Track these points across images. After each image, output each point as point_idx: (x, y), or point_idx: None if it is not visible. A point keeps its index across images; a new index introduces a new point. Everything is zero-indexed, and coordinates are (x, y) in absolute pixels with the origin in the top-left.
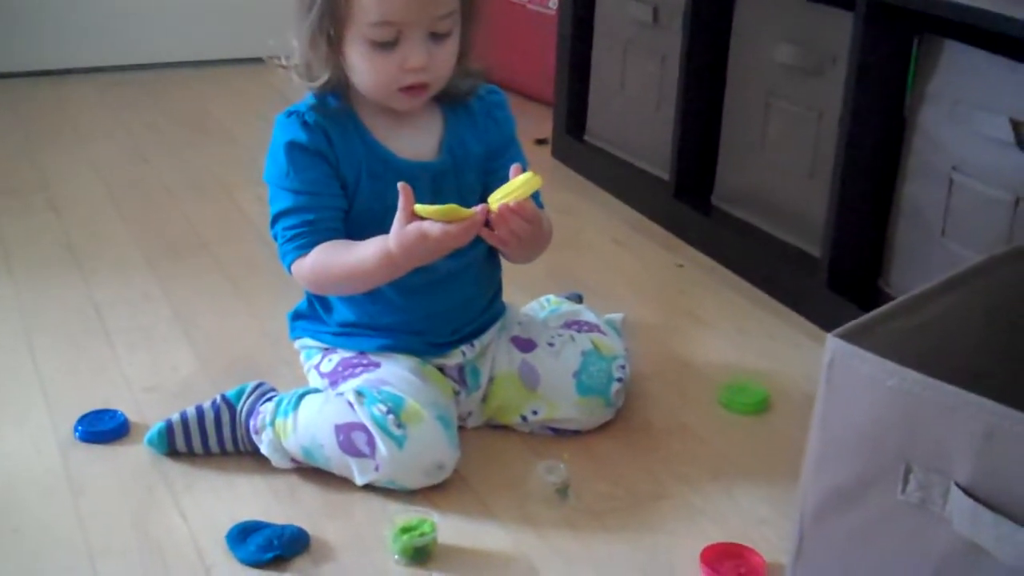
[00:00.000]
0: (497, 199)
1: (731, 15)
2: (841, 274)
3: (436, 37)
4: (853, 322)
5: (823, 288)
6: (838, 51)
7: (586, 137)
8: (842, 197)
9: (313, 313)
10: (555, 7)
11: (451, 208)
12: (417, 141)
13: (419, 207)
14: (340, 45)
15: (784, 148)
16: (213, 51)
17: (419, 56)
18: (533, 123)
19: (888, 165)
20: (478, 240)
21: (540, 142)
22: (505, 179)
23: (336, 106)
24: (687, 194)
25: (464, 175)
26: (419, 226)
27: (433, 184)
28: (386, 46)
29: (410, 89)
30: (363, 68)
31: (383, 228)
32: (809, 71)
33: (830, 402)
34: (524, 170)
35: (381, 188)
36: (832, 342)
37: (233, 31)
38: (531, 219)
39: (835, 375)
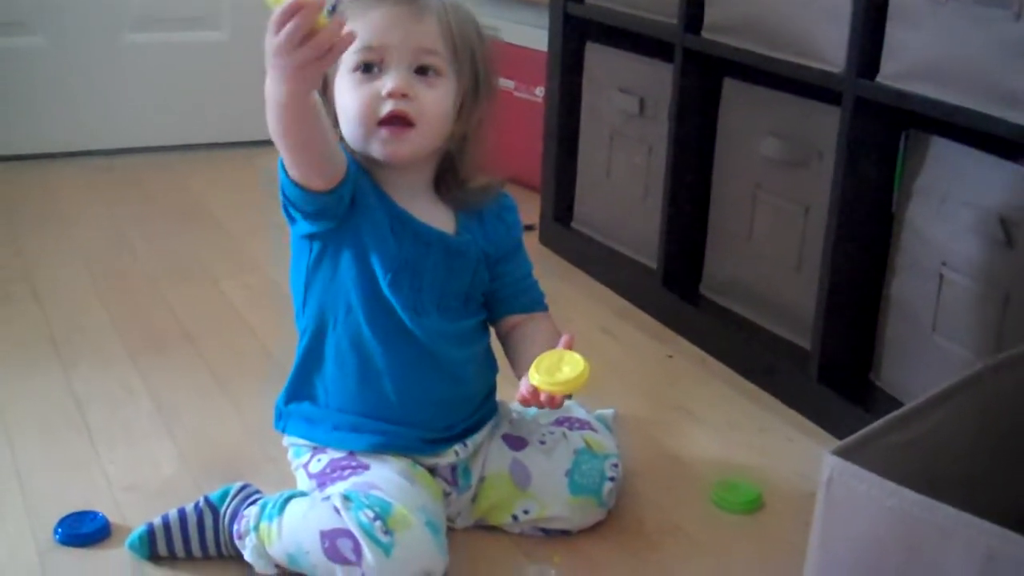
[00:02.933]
0: (540, 377)
1: (717, 107)
2: (832, 368)
3: (422, 74)
4: (851, 437)
5: (814, 382)
6: (824, 145)
7: (574, 224)
8: (831, 291)
9: (304, 386)
10: (542, 95)
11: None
12: (434, 214)
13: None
14: (330, 90)
15: (771, 240)
16: (199, 135)
17: (399, 81)
18: (521, 209)
19: (876, 260)
20: (481, 334)
21: (528, 228)
22: (511, 285)
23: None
24: (675, 284)
25: (479, 266)
26: None
27: (447, 258)
28: (369, 71)
29: (391, 124)
30: (346, 102)
31: (411, 286)
32: (795, 164)
33: (829, 521)
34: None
35: (402, 247)
36: (830, 460)
37: (219, 115)
38: (555, 407)
39: (833, 493)
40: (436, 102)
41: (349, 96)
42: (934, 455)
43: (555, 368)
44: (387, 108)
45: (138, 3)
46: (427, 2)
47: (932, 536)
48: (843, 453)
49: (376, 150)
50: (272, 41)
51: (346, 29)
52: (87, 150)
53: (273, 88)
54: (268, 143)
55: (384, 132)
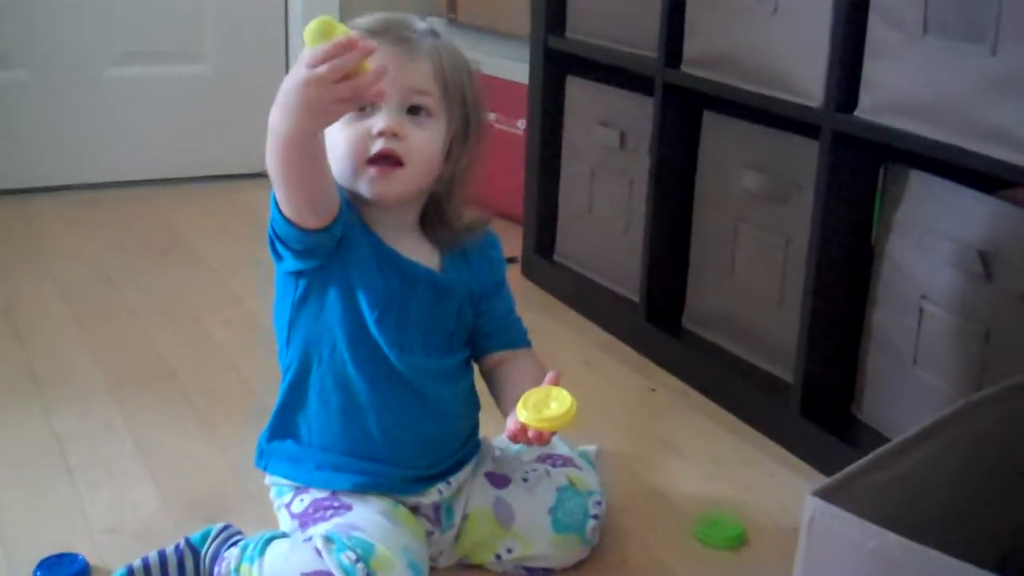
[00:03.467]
0: (528, 414)
1: (697, 141)
2: (814, 401)
3: (413, 114)
4: (833, 478)
5: (796, 415)
6: (804, 178)
7: (555, 257)
8: (812, 324)
9: (287, 424)
10: (523, 128)
11: (323, 22)
12: (419, 252)
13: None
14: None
15: (753, 274)
16: (183, 169)
17: (389, 120)
18: (502, 242)
19: (857, 293)
20: (465, 371)
21: (510, 260)
22: (495, 321)
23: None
24: (657, 317)
25: (463, 304)
26: None
27: (433, 295)
28: (360, 109)
29: (381, 163)
30: (335, 139)
31: (396, 323)
32: (776, 198)
33: (811, 562)
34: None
35: (388, 284)
36: (812, 501)
37: (202, 149)
38: (543, 443)
39: (815, 535)
40: (426, 142)
41: (339, 133)
42: (917, 493)
43: (542, 404)
44: (377, 147)
45: (121, 37)
46: (420, 43)
47: None
48: (825, 494)
49: (364, 188)
50: (311, 72)
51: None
52: (69, 184)
53: (283, 121)
54: (251, 176)
55: (373, 171)
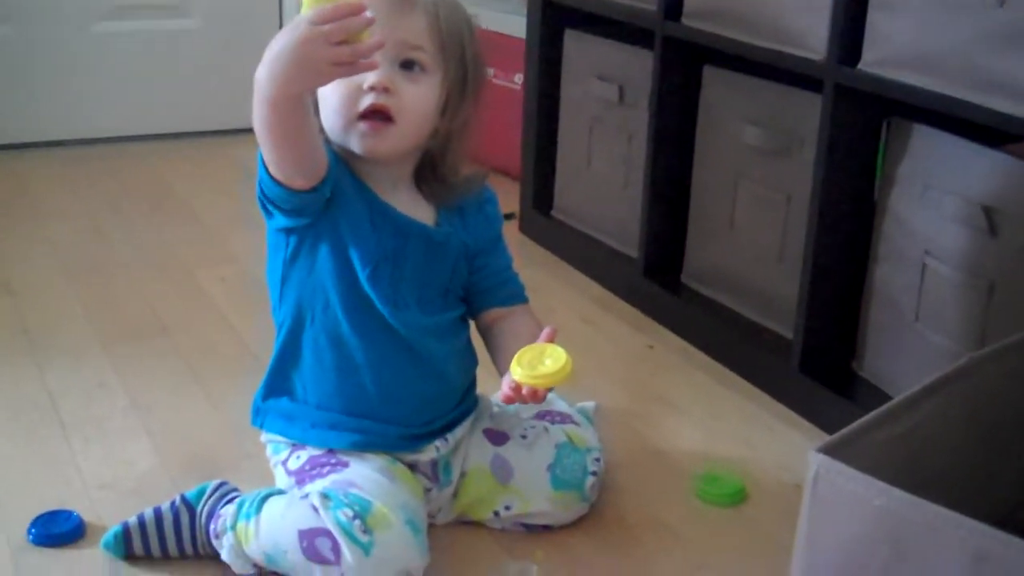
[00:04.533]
0: (522, 371)
1: (698, 95)
2: (814, 357)
3: (407, 68)
4: (837, 434)
5: (796, 371)
6: (806, 133)
7: (554, 213)
8: (812, 280)
9: (282, 381)
10: (521, 82)
11: None
12: (414, 207)
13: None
14: None
15: (753, 229)
16: (175, 124)
17: (380, 75)
18: (500, 198)
19: (859, 248)
20: (461, 328)
21: (507, 217)
22: (491, 277)
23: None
24: (656, 273)
25: (459, 260)
26: None
27: (427, 250)
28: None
29: (372, 118)
30: (326, 93)
31: (391, 279)
32: (777, 153)
33: (815, 520)
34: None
35: (382, 239)
36: (816, 458)
37: (193, 103)
38: (539, 401)
39: (819, 492)
40: (418, 98)
41: (330, 87)
42: (921, 450)
43: (537, 361)
44: (367, 102)
45: None
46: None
47: (920, 536)
48: (829, 450)
49: (355, 144)
50: (314, 29)
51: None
52: (59, 140)
53: (271, 80)
54: (242, 131)
55: (363, 126)
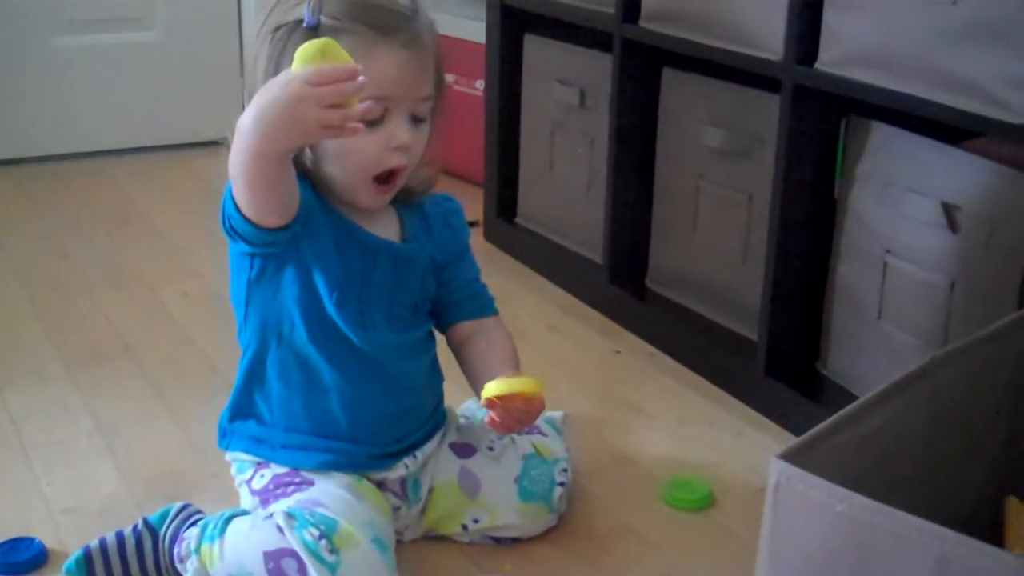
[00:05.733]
0: (495, 386)
1: (657, 98)
2: (778, 358)
3: (416, 121)
4: (798, 440)
5: (761, 374)
6: (766, 133)
7: (517, 220)
8: (776, 280)
9: (248, 405)
10: (482, 88)
11: (328, 44)
12: (380, 223)
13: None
14: None
15: (715, 231)
16: (136, 138)
17: (405, 134)
18: (464, 205)
19: (821, 248)
20: (429, 344)
21: (471, 224)
22: (459, 290)
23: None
24: (621, 278)
25: (427, 274)
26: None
27: (395, 267)
28: (373, 123)
29: (386, 179)
30: (343, 151)
31: (359, 300)
32: (737, 154)
33: (778, 526)
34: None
35: (348, 259)
36: (777, 465)
37: (154, 117)
38: (533, 418)
39: (781, 499)
40: (422, 144)
41: (350, 146)
42: (883, 452)
43: (504, 384)
44: (392, 162)
45: (69, 4)
46: (424, 39)
47: (884, 541)
48: (791, 457)
49: (362, 198)
50: (311, 90)
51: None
52: (19, 157)
53: (258, 133)
54: (205, 145)
55: (375, 186)
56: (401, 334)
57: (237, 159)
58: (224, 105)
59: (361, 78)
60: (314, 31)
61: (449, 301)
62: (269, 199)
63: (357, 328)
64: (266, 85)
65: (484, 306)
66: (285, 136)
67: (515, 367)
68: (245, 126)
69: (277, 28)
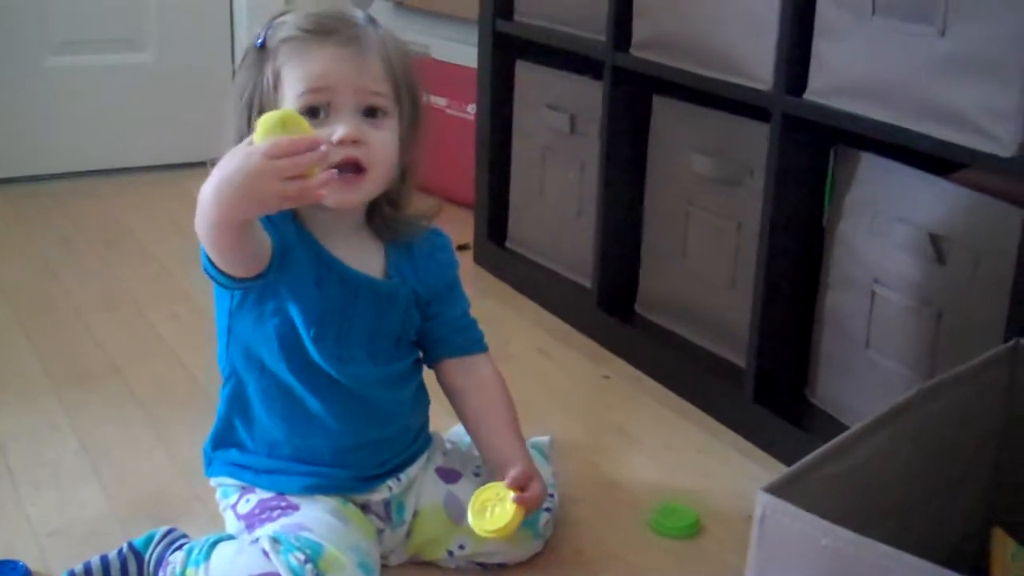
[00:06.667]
0: (473, 518)
1: (648, 125)
2: (767, 386)
3: (371, 116)
4: (783, 473)
5: (749, 400)
6: (755, 162)
7: (508, 243)
8: (764, 308)
9: (230, 433)
10: (474, 112)
11: (287, 115)
12: (362, 256)
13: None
14: None
15: (704, 257)
16: (127, 159)
17: (349, 127)
18: (454, 228)
19: (809, 276)
20: (414, 373)
21: (461, 248)
22: (446, 326)
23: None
24: (610, 303)
25: (409, 309)
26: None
27: (376, 304)
28: (315, 115)
29: (343, 171)
30: None
31: (338, 335)
32: (727, 181)
33: (763, 560)
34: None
35: (329, 294)
36: (763, 498)
37: (145, 138)
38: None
39: (767, 532)
40: (386, 144)
41: None
42: (869, 485)
43: (491, 504)
44: (338, 156)
45: (61, 25)
46: (368, 39)
47: (868, 575)
48: (776, 490)
49: (330, 198)
50: (270, 164)
51: (288, 73)
52: (8, 177)
53: (217, 204)
54: (196, 166)
55: (336, 181)
56: (383, 367)
57: (200, 225)
58: (216, 126)
59: (323, 148)
60: (262, 49)
61: (435, 336)
62: (235, 259)
63: (335, 363)
64: (227, 155)
65: (472, 342)
66: (243, 208)
67: (516, 432)
68: (205, 197)
69: (244, 56)
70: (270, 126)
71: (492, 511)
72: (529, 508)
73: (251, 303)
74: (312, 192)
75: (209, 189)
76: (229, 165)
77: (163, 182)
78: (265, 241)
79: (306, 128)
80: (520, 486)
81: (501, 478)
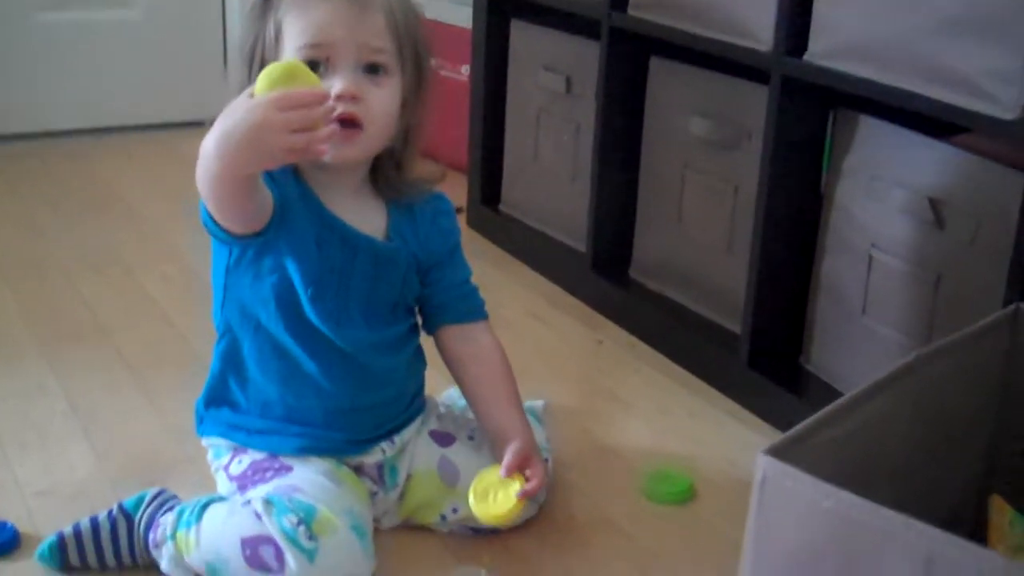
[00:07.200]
0: (475, 501)
1: (645, 86)
2: (761, 351)
3: (371, 72)
4: (784, 436)
5: (743, 366)
6: (753, 125)
7: (501, 207)
8: (760, 273)
9: (223, 391)
10: (467, 74)
11: (296, 67)
12: (363, 216)
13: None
14: None
15: (701, 222)
16: (116, 118)
17: (347, 83)
18: (448, 191)
19: (807, 241)
20: (411, 338)
21: (455, 211)
22: (445, 292)
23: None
24: (604, 267)
25: (409, 273)
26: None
27: (375, 265)
28: (315, 69)
29: (340, 126)
30: None
31: (336, 295)
32: (724, 145)
33: (763, 523)
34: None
35: (328, 254)
36: (763, 460)
37: (133, 97)
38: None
39: (767, 495)
40: (385, 102)
41: None
42: (870, 448)
43: (493, 490)
44: (336, 111)
45: None
46: None
47: (871, 539)
48: (778, 452)
49: (330, 153)
50: (278, 116)
51: (289, 25)
52: None
53: (221, 157)
54: (185, 125)
55: (342, 131)
56: (380, 331)
57: (202, 179)
58: (206, 85)
59: (330, 102)
60: (266, 1)
61: (434, 303)
62: (237, 214)
63: (332, 324)
64: (229, 107)
65: (472, 309)
66: (248, 161)
67: (515, 404)
68: (208, 149)
69: (250, 8)
70: (276, 77)
71: (495, 496)
72: (532, 497)
73: (249, 260)
74: (318, 145)
75: (211, 142)
76: (232, 117)
77: (153, 142)
78: (267, 198)
79: (314, 80)
80: (519, 465)
81: (499, 450)
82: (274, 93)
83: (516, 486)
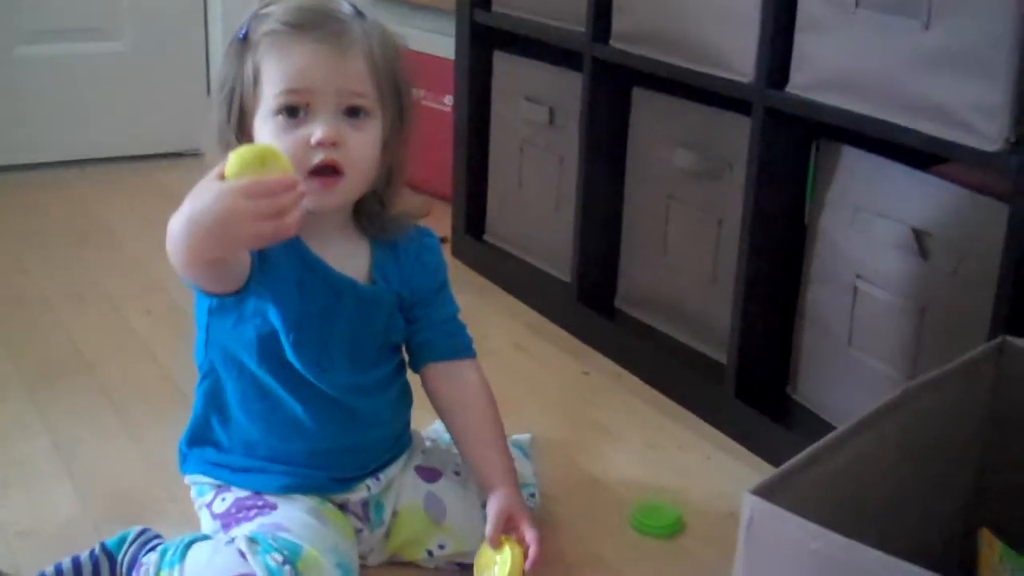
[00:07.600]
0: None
1: (628, 118)
2: (748, 382)
3: (352, 116)
4: (771, 475)
5: (730, 397)
6: (736, 156)
7: (486, 237)
8: (745, 304)
9: (206, 431)
10: (451, 104)
11: (267, 151)
12: (347, 257)
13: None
14: (247, 132)
15: (685, 252)
16: (99, 149)
17: (327, 129)
18: (431, 221)
19: (791, 271)
20: (396, 377)
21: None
22: (429, 330)
23: None
24: (590, 297)
25: (393, 313)
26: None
27: (358, 309)
28: (294, 115)
29: (321, 174)
30: None
31: (319, 340)
32: (708, 175)
33: (751, 564)
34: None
35: (310, 297)
36: (750, 500)
37: (118, 128)
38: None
39: (755, 536)
40: (366, 146)
41: (275, 142)
42: (858, 485)
43: (492, 562)
44: (317, 158)
45: (31, 14)
46: (351, 35)
47: None
48: (764, 492)
49: (308, 200)
50: (248, 205)
51: (268, 69)
52: None
53: (188, 241)
54: (170, 156)
55: (314, 184)
56: (364, 373)
57: (172, 256)
58: (189, 116)
59: (300, 188)
60: (245, 41)
61: (420, 339)
62: (211, 285)
63: (316, 370)
64: (197, 188)
65: (459, 347)
66: (214, 248)
67: (500, 451)
68: (175, 233)
69: (228, 46)
70: (248, 161)
71: (498, 568)
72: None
73: (230, 304)
74: (287, 232)
75: (178, 225)
76: (200, 201)
77: (136, 173)
78: (243, 261)
79: (286, 165)
80: (503, 528)
81: (485, 496)
82: (244, 180)
83: (511, 552)
